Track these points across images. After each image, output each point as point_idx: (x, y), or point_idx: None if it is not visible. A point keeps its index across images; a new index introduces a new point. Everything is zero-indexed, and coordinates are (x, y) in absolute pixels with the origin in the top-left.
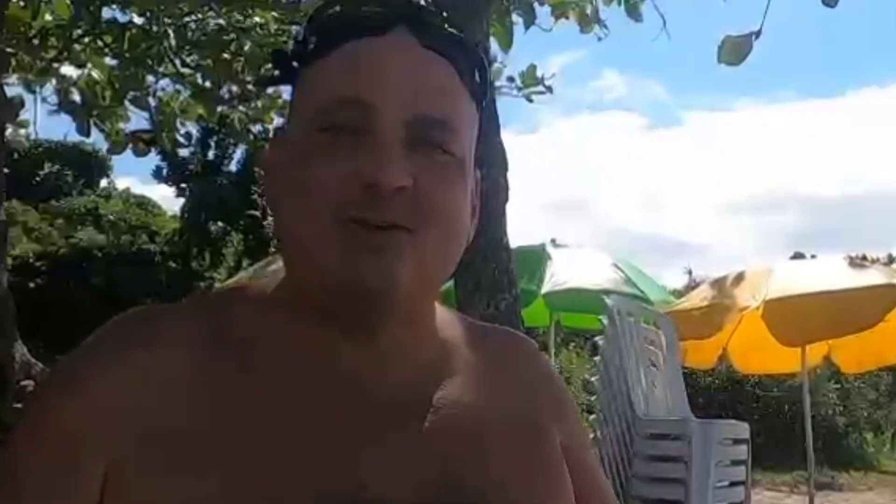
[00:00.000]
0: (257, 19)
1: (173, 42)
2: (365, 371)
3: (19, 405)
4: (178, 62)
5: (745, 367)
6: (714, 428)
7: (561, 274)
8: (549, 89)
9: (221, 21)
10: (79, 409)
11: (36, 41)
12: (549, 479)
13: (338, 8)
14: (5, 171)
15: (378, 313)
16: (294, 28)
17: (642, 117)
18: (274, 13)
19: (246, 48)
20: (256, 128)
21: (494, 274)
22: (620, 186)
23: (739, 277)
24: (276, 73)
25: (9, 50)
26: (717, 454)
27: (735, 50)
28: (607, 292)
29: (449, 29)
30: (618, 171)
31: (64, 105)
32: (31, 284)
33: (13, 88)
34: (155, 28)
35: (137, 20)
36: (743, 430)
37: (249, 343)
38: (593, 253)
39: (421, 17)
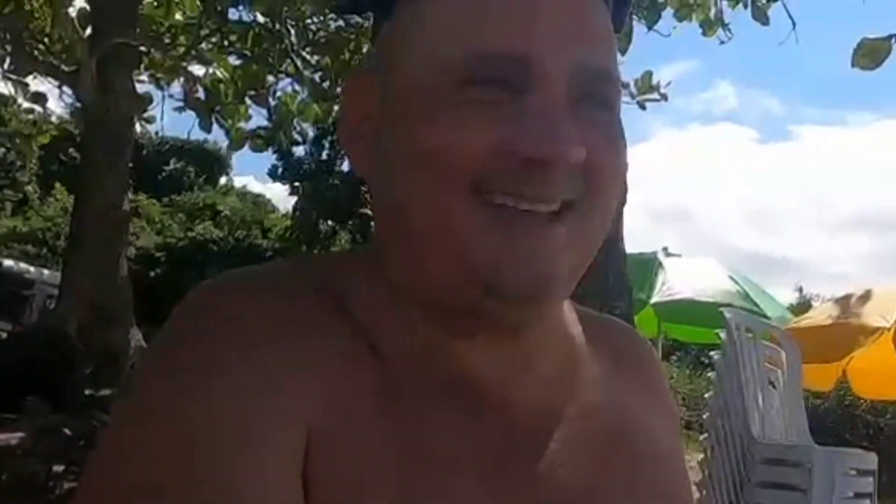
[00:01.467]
0: None
1: (294, 41)
2: (494, 379)
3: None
4: (299, 61)
5: (866, 392)
6: (838, 456)
7: (673, 284)
8: (664, 97)
9: (341, 22)
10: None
11: (167, 39)
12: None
13: None
14: (131, 165)
15: (527, 316)
16: None
17: (753, 130)
18: None
19: (364, 48)
20: None
21: (608, 279)
22: (727, 199)
23: (866, 296)
24: None
25: (141, 48)
26: (840, 485)
27: (872, 53)
28: (723, 306)
29: None
30: (726, 183)
31: (189, 102)
32: (152, 274)
33: (143, 86)
34: (277, 27)
35: (261, 20)
36: (870, 460)
37: (373, 343)
38: (708, 264)
39: None
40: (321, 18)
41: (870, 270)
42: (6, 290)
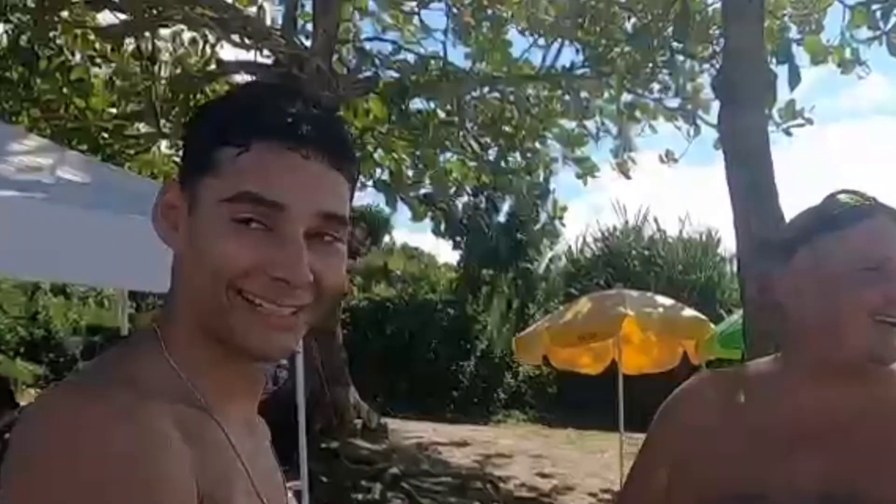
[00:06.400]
0: (530, 91)
1: (469, 126)
2: (827, 410)
3: (352, 439)
4: (474, 143)
5: None
6: None
7: None
8: (810, 121)
9: (496, 94)
10: (664, 433)
11: (357, 140)
12: None
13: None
14: None
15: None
16: (566, 97)
17: None
18: (545, 84)
19: (527, 122)
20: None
21: None
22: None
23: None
24: None
25: None
26: None
27: None
28: None
29: None
30: (881, 183)
31: (376, 184)
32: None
33: None
34: (456, 119)
35: (441, 113)
36: None
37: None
38: None
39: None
40: (475, 95)
41: None
42: None
